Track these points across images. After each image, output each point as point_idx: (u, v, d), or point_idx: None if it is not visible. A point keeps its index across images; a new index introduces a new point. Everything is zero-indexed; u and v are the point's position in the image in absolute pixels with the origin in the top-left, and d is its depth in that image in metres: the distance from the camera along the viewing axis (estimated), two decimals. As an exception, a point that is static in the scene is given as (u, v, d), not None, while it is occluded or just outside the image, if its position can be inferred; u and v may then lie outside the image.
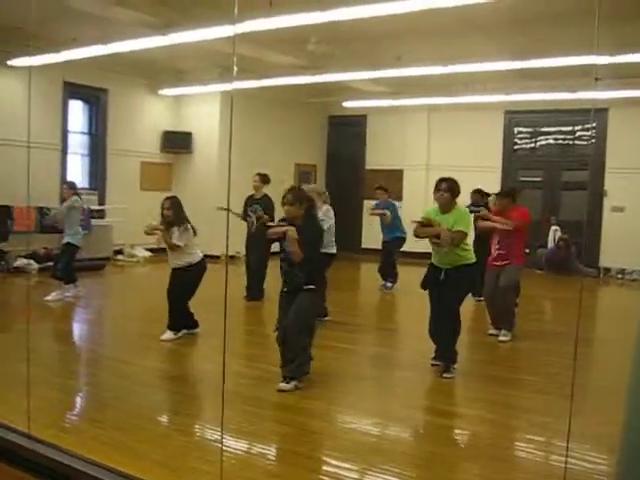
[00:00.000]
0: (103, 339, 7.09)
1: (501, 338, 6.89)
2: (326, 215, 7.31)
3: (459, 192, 5.71)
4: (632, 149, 12.15)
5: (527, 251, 7.63)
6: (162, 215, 6.50)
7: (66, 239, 8.40)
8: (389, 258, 10.46)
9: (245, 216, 8.58)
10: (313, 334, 5.19)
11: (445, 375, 5.51)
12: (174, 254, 6.48)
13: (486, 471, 3.65)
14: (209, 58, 10.93)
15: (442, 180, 5.71)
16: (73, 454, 3.39)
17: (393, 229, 10.35)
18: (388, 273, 10.44)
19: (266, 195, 8.60)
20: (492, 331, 7.09)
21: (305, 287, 5.01)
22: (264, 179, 8.64)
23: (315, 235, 5.14)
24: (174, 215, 6.44)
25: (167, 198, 6.64)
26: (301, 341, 5.03)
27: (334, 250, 7.45)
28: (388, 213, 10.23)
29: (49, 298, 8.27)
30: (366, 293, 10.48)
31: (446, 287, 5.55)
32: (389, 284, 10.36)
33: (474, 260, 5.69)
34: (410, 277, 10.20)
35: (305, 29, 7.89)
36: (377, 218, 10.73)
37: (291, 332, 4.97)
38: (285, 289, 5.15)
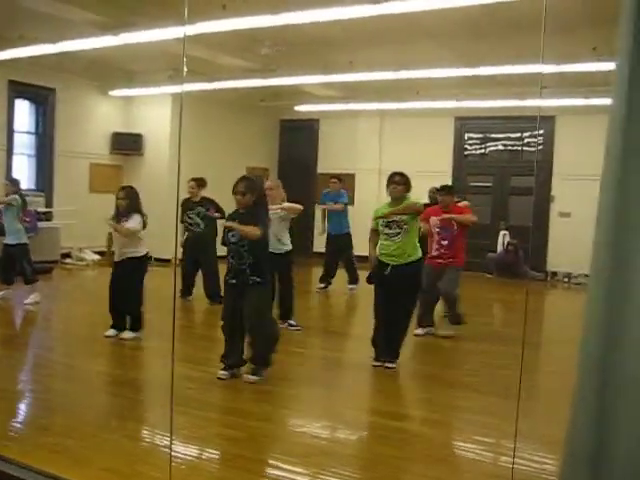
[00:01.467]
0: (51, 343, 6.93)
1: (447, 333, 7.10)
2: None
3: (411, 187, 5.84)
4: (578, 156, 12.41)
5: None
6: (116, 206, 6.43)
7: (17, 240, 8.11)
8: (344, 253, 10.26)
9: (184, 220, 8.53)
10: (277, 329, 5.27)
11: (389, 365, 5.67)
12: (123, 243, 6.42)
13: (434, 472, 3.68)
14: (160, 59, 10.81)
15: (396, 174, 5.85)
16: (18, 463, 3.31)
17: (344, 224, 10.26)
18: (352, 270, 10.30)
19: (205, 197, 8.61)
20: (418, 331, 7.10)
21: (254, 281, 5.08)
22: (200, 183, 8.64)
23: (263, 226, 5.17)
24: (129, 205, 6.38)
25: (122, 188, 6.61)
26: (267, 336, 5.21)
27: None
28: (342, 204, 10.21)
29: (28, 301, 8.12)
30: (317, 296, 10.48)
31: (397, 284, 5.61)
32: (354, 285, 10.25)
33: (421, 256, 5.85)
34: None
35: (258, 32, 7.89)
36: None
37: (258, 332, 5.14)
38: (232, 282, 5.18)
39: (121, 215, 6.40)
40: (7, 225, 8.10)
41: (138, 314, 6.52)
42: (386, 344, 5.77)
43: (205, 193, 8.79)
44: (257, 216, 5.14)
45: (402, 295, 5.67)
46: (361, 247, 10.27)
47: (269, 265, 5.40)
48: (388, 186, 5.83)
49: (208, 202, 8.59)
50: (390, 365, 5.70)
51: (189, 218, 8.52)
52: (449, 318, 7.29)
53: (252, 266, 5.09)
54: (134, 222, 6.34)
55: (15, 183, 8.46)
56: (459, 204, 7.47)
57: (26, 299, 8.15)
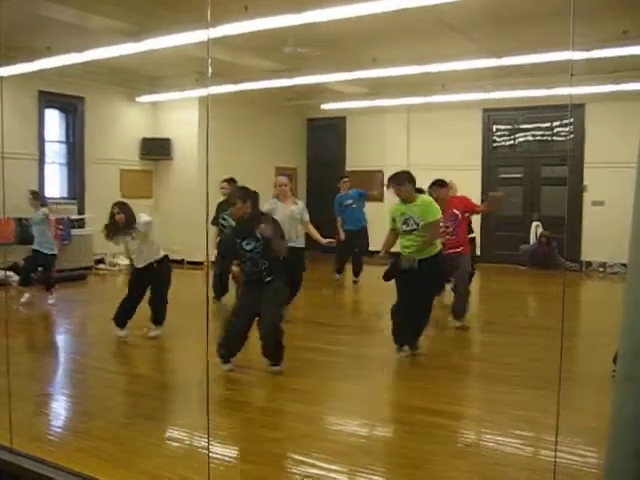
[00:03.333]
0: (86, 349, 7.00)
1: (457, 324, 7.14)
2: (304, 209, 7.50)
3: (411, 180, 5.92)
4: (609, 143, 12.23)
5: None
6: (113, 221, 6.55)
7: (48, 250, 8.36)
8: (365, 244, 10.57)
9: (217, 221, 8.48)
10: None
11: (417, 352, 5.89)
12: (144, 250, 6.53)
13: (476, 467, 3.64)
14: (185, 64, 10.87)
15: (393, 176, 6.00)
16: (58, 467, 3.35)
17: (361, 218, 10.67)
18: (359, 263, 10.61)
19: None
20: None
21: (269, 280, 5.28)
22: (231, 183, 8.59)
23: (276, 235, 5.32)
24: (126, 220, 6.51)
25: (115, 204, 6.68)
26: (281, 332, 5.33)
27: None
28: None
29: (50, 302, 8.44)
30: (348, 293, 10.46)
31: (421, 278, 5.70)
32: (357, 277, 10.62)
33: (440, 249, 6.00)
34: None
35: (281, 32, 7.88)
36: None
37: (274, 327, 5.24)
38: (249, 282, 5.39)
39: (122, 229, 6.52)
40: (40, 235, 8.30)
41: (164, 312, 6.67)
42: (411, 334, 5.93)
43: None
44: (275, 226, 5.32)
45: (424, 288, 5.81)
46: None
47: (281, 266, 5.50)
48: (394, 189, 5.93)
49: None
50: (418, 352, 5.93)
51: (223, 219, 8.43)
52: (454, 310, 7.30)
53: (268, 269, 5.28)
54: (148, 228, 6.53)
55: (38, 195, 8.65)
56: (456, 196, 7.53)
57: (49, 299, 8.54)
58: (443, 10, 7.29)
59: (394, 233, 6.01)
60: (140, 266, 6.60)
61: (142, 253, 6.56)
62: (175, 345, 6.57)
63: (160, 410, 4.81)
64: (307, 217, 7.47)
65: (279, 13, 7.10)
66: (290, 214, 7.23)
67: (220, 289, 8.67)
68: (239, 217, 5.36)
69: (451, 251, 6.98)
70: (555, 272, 11.62)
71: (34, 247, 8.53)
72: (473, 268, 7.99)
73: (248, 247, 5.27)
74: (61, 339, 7.55)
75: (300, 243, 7.43)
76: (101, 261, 12.35)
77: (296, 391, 5.09)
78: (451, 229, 7.00)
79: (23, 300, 8.43)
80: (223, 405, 4.58)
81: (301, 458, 3.79)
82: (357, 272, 10.73)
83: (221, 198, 8.61)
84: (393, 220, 5.97)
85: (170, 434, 4.23)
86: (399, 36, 9.04)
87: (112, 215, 6.49)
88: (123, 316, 6.59)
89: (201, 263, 11.61)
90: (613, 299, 9.53)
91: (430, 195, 7.65)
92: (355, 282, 10.78)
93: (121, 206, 6.56)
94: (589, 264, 12.78)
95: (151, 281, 6.60)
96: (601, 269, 12.63)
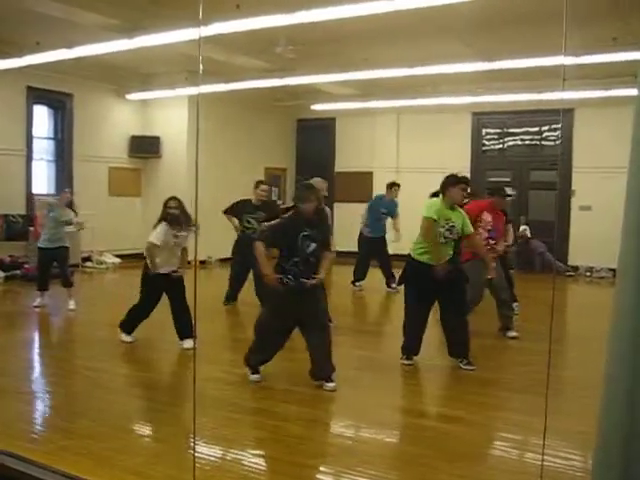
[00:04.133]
0: (73, 347, 6.96)
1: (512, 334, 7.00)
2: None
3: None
4: (598, 149, 12.31)
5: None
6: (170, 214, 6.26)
7: (62, 244, 8.20)
8: (387, 252, 10.35)
9: (241, 218, 8.32)
10: None
11: (467, 367, 5.64)
12: (175, 255, 6.29)
13: (464, 471, 3.63)
14: (176, 61, 10.84)
15: (464, 178, 5.91)
16: (41, 465, 3.31)
17: (384, 228, 10.34)
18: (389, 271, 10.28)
19: (266, 201, 8.50)
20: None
21: (313, 284, 5.04)
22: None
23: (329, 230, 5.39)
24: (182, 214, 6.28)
25: (172, 198, 6.43)
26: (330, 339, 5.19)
27: None
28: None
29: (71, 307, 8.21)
30: (343, 295, 10.45)
31: (449, 285, 5.59)
32: (394, 285, 10.14)
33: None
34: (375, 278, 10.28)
35: (272, 32, 7.87)
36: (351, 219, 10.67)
37: (326, 336, 5.12)
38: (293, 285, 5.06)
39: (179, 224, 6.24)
40: (59, 233, 8.13)
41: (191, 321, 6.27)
42: (458, 346, 5.75)
43: (222, 193, 8.70)
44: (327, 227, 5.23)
45: (457, 294, 5.69)
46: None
47: None
48: (452, 188, 5.67)
49: (268, 206, 8.40)
50: (468, 367, 5.66)
51: (247, 222, 8.27)
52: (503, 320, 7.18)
53: (315, 268, 5.07)
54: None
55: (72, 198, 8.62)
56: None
57: (67, 305, 8.25)
58: (434, 13, 7.30)
59: (431, 230, 5.61)
60: (163, 272, 6.22)
61: (171, 257, 6.31)
62: (163, 345, 6.53)
63: (146, 409, 4.79)
64: None
65: (271, 13, 7.09)
66: None
67: (232, 293, 8.59)
68: (309, 215, 5.04)
69: (494, 256, 6.88)
70: (542, 276, 11.66)
71: (45, 245, 8.13)
72: (511, 283, 7.95)
73: (309, 249, 5.00)
74: (48, 337, 7.49)
75: None
76: (88, 259, 12.27)
77: (283, 392, 5.07)
78: (494, 234, 6.96)
79: (36, 303, 8.23)
80: (210, 405, 4.55)
81: (288, 459, 3.77)
82: (390, 279, 10.23)
83: (218, 195, 8.52)
84: (436, 220, 5.60)
85: (155, 433, 4.20)
86: (390, 38, 9.05)
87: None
88: (136, 323, 6.45)
89: (189, 262, 11.57)
90: (601, 304, 9.58)
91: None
92: (393, 288, 10.14)
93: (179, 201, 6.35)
94: (576, 268, 12.85)
95: (171, 289, 6.30)
96: (588, 274, 12.70)
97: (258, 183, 8.47)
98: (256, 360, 5.21)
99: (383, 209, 10.26)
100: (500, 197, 7.25)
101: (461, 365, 5.69)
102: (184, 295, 6.24)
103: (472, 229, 5.83)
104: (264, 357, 5.21)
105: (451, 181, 5.67)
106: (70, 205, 8.39)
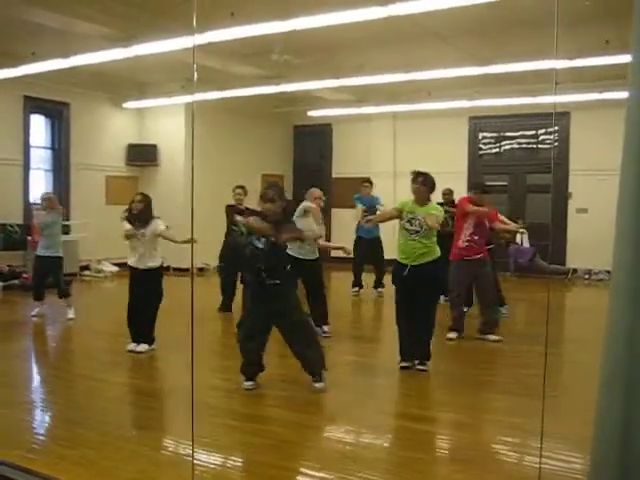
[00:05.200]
0: (72, 356, 6.96)
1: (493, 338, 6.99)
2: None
3: (434, 187, 5.85)
4: (594, 151, 12.34)
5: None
6: (131, 209, 6.46)
7: (54, 253, 8.13)
8: (380, 254, 10.39)
9: (231, 227, 8.36)
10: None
11: (420, 367, 5.68)
12: (147, 252, 6.39)
13: (460, 474, 3.64)
14: (172, 70, 10.87)
15: (419, 174, 5.84)
16: (41, 475, 3.32)
17: (375, 227, 10.25)
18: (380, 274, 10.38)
19: (249, 208, 8.48)
20: (451, 334, 7.10)
21: (275, 283, 5.03)
22: (245, 191, 8.54)
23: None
24: (146, 209, 6.44)
25: (139, 193, 6.67)
26: (313, 335, 5.25)
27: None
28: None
29: (70, 316, 8.18)
30: (339, 301, 10.45)
31: (418, 284, 5.60)
32: (380, 288, 10.36)
33: (439, 255, 5.79)
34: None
35: (267, 39, 7.90)
36: (349, 224, 10.72)
37: (303, 328, 5.14)
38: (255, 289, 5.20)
39: (138, 220, 6.40)
40: (50, 239, 8.10)
41: (153, 325, 6.53)
42: (416, 346, 5.77)
43: (219, 201, 8.70)
44: (290, 221, 5.24)
45: (424, 295, 5.67)
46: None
47: (289, 269, 5.39)
48: (412, 184, 5.81)
49: (254, 213, 8.37)
50: (421, 367, 5.72)
51: (234, 225, 8.25)
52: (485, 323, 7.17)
53: (277, 268, 5.07)
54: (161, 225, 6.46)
55: (54, 199, 8.55)
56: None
57: (66, 314, 8.21)
58: (428, 18, 7.34)
59: (396, 211, 5.82)
60: (132, 265, 6.52)
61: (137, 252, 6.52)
62: (163, 353, 6.53)
63: (144, 418, 4.78)
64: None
65: (266, 20, 7.12)
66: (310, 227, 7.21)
67: (226, 301, 8.58)
68: (271, 215, 5.08)
69: (475, 254, 6.91)
70: (539, 278, 11.68)
71: (39, 253, 8.13)
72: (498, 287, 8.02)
73: (260, 244, 5.05)
74: (47, 346, 7.49)
75: (317, 253, 7.33)
76: (86, 267, 12.28)
77: (281, 398, 5.08)
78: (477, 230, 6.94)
79: (34, 313, 8.23)
80: (207, 412, 4.55)
81: (286, 465, 3.78)
82: (377, 279, 10.49)
83: (215, 203, 8.53)
84: (401, 209, 5.79)
85: (154, 441, 4.20)
86: (385, 44, 9.08)
87: None
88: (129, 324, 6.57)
89: (187, 269, 11.57)
90: (599, 306, 9.59)
91: (448, 200, 7.73)
92: (377, 291, 10.46)
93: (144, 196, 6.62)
94: (574, 271, 12.86)
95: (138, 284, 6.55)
96: (586, 276, 12.71)
97: (234, 188, 8.53)
98: (246, 366, 5.20)
99: (362, 207, 10.35)
100: (478, 192, 7.23)
101: (416, 365, 5.74)
102: (153, 293, 6.38)
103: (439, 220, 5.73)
104: (249, 361, 5.20)
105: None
106: (53, 205, 8.33)
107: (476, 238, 6.93)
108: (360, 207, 10.31)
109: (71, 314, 8.18)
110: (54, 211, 8.19)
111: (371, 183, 10.69)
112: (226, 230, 8.45)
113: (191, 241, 4.99)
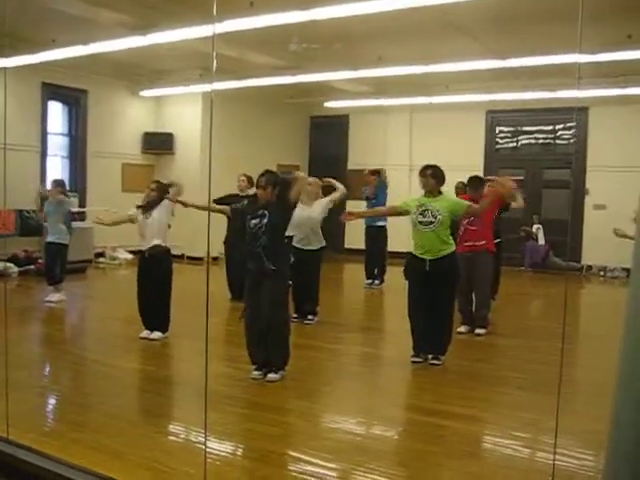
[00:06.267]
0: (85, 342, 7.00)
1: (481, 332, 6.98)
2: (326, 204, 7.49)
3: (444, 179, 5.78)
4: (613, 147, 12.24)
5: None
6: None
7: (57, 239, 8.27)
8: (381, 245, 10.36)
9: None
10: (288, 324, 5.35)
11: (434, 362, 5.68)
12: (153, 235, 6.41)
13: (471, 468, 3.63)
14: (189, 58, 10.87)
15: (427, 167, 5.80)
16: (54, 458, 3.34)
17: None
18: (379, 266, 10.37)
19: (250, 195, 8.46)
20: (462, 328, 7.05)
21: (269, 269, 5.10)
22: (251, 181, 8.51)
23: (282, 219, 5.26)
24: (158, 196, 6.46)
25: (154, 181, 6.72)
26: (284, 332, 5.19)
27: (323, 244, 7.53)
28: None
29: (52, 299, 8.27)
30: (352, 292, 10.47)
31: (435, 279, 5.57)
32: (377, 281, 10.35)
33: (454, 248, 5.78)
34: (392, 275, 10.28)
35: (286, 29, 7.87)
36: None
37: (275, 325, 5.09)
38: (250, 269, 5.23)
39: (150, 206, 6.44)
40: (52, 226, 8.23)
41: (167, 311, 6.54)
42: (432, 340, 5.76)
43: (234, 190, 8.68)
44: (278, 212, 5.24)
45: (442, 289, 5.64)
46: (394, 243, 10.36)
47: (286, 255, 5.45)
48: (420, 178, 5.79)
49: (255, 197, 8.36)
50: (435, 362, 5.71)
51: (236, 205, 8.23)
52: (475, 318, 7.14)
53: (267, 250, 5.12)
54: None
55: (62, 184, 8.64)
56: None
57: (49, 297, 8.32)
58: (448, 10, 7.28)
59: (393, 209, 5.86)
60: (142, 249, 6.62)
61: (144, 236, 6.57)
62: (177, 341, 6.55)
63: (158, 404, 4.81)
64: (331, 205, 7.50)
65: (284, 10, 7.09)
66: (308, 215, 7.27)
67: (235, 289, 8.56)
68: (262, 199, 5.24)
69: (470, 245, 6.83)
70: (555, 274, 11.62)
71: (47, 239, 8.38)
72: (497, 280, 7.93)
73: (252, 222, 5.18)
74: (60, 332, 7.54)
75: (323, 243, 7.44)
76: (101, 254, 12.35)
77: (295, 388, 5.09)
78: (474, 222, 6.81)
79: (48, 298, 8.32)
80: (220, 401, 4.57)
81: (297, 455, 3.79)
82: (378, 274, 10.45)
83: (224, 191, 8.53)
84: (406, 205, 5.79)
85: (166, 428, 4.22)
86: (404, 35, 9.03)
87: None
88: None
89: (201, 258, 11.62)
90: (614, 303, 9.53)
91: (464, 192, 7.65)
92: (370, 285, 10.48)
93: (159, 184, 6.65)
94: (589, 268, 12.78)
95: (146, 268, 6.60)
96: (601, 273, 12.63)
97: (239, 176, 8.53)
98: (250, 353, 5.25)
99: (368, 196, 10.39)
100: (473, 183, 7.13)
101: (430, 360, 5.74)
102: (159, 279, 6.39)
103: (465, 206, 5.74)
104: (252, 348, 5.23)
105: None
106: (54, 194, 8.43)
107: (472, 228, 6.85)
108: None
109: (57, 297, 8.30)
110: (56, 199, 8.29)
111: (379, 173, 10.74)
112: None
113: (207, 230, 4.97)
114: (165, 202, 6.45)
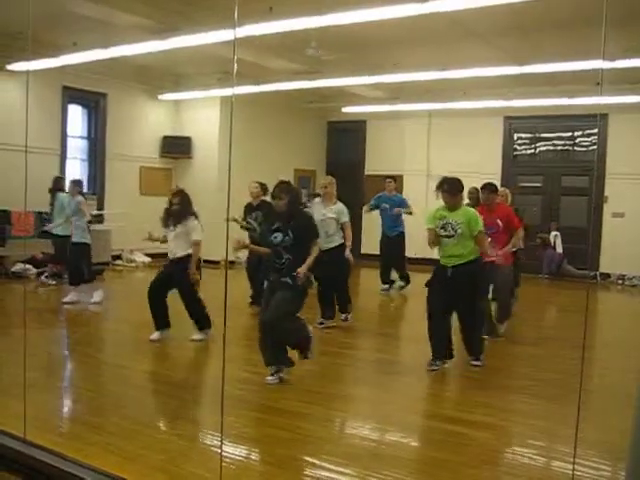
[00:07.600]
0: (102, 344, 7.05)
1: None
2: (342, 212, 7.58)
3: (461, 189, 5.80)
4: (632, 155, 12.15)
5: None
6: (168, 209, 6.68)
7: (80, 239, 8.40)
8: (397, 252, 10.40)
9: (246, 224, 8.41)
10: (296, 330, 5.31)
11: (474, 363, 5.87)
12: (177, 244, 6.55)
13: (488, 477, 3.61)
14: (209, 63, 10.92)
15: (442, 181, 5.83)
16: (70, 459, 3.36)
17: (399, 223, 10.40)
18: (401, 270, 10.44)
19: (264, 201, 8.48)
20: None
21: (285, 281, 5.14)
22: (264, 187, 8.51)
23: (307, 237, 5.29)
24: (183, 209, 6.58)
25: (177, 191, 6.88)
26: (282, 335, 5.18)
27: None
28: (403, 211, 10.30)
29: (67, 300, 8.42)
30: (367, 297, 10.44)
31: (457, 285, 5.61)
32: (402, 283, 10.47)
33: (478, 256, 5.80)
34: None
35: (304, 34, 7.89)
36: (374, 218, 10.77)
37: (270, 328, 5.11)
38: (270, 279, 5.30)
39: (174, 217, 6.51)
40: (77, 225, 8.35)
41: (201, 311, 6.60)
42: (467, 344, 5.92)
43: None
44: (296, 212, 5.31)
45: (467, 294, 5.67)
46: (411, 249, 10.38)
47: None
48: (438, 192, 5.82)
49: (266, 206, 8.19)
50: (476, 363, 5.89)
51: (248, 223, 8.30)
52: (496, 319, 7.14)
53: (290, 268, 5.13)
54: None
55: (79, 184, 8.74)
56: (502, 205, 7.28)
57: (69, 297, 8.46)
58: (466, 16, 7.26)
59: (432, 232, 5.81)
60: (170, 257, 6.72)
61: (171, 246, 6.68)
62: (195, 345, 6.57)
63: (172, 407, 4.82)
64: (346, 219, 7.59)
65: (303, 15, 7.11)
66: (330, 217, 7.45)
67: (255, 294, 8.57)
68: (278, 209, 5.30)
69: (487, 259, 6.85)
70: (571, 282, 11.55)
71: (73, 240, 8.52)
72: (516, 283, 7.91)
73: (276, 240, 5.21)
74: (78, 334, 7.58)
75: (338, 241, 7.54)
76: (118, 257, 12.42)
77: (310, 393, 5.09)
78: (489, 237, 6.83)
79: (66, 299, 8.47)
80: (236, 405, 4.58)
81: (311, 460, 3.78)
82: (402, 279, 10.60)
83: (247, 197, 8.56)
84: (430, 223, 5.82)
85: (182, 431, 4.23)
86: (421, 41, 9.02)
87: None
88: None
89: (218, 262, 11.64)
90: (634, 311, 9.42)
91: (474, 200, 7.62)
92: (387, 290, 10.60)
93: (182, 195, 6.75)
94: (608, 276, 12.68)
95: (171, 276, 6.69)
96: (619, 281, 12.53)
97: (251, 183, 8.51)
98: (264, 358, 5.25)
99: (384, 205, 10.38)
100: (485, 192, 7.06)
101: (471, 362, 5.91)
102: (186, 286, 6.49)
103: (478, 228, 5.70)
104: (264, 354, 5.25)
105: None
106: (80, 191, 8.65)
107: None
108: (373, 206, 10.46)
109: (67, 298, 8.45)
110: (75, 199, 8.49)
111: (395, 180, 10.80)
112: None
113: (226, 234, 5.02)
114: (194, 222, 6.56)
